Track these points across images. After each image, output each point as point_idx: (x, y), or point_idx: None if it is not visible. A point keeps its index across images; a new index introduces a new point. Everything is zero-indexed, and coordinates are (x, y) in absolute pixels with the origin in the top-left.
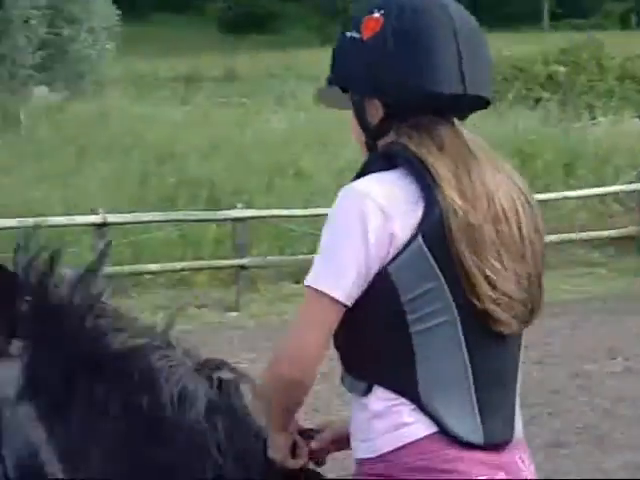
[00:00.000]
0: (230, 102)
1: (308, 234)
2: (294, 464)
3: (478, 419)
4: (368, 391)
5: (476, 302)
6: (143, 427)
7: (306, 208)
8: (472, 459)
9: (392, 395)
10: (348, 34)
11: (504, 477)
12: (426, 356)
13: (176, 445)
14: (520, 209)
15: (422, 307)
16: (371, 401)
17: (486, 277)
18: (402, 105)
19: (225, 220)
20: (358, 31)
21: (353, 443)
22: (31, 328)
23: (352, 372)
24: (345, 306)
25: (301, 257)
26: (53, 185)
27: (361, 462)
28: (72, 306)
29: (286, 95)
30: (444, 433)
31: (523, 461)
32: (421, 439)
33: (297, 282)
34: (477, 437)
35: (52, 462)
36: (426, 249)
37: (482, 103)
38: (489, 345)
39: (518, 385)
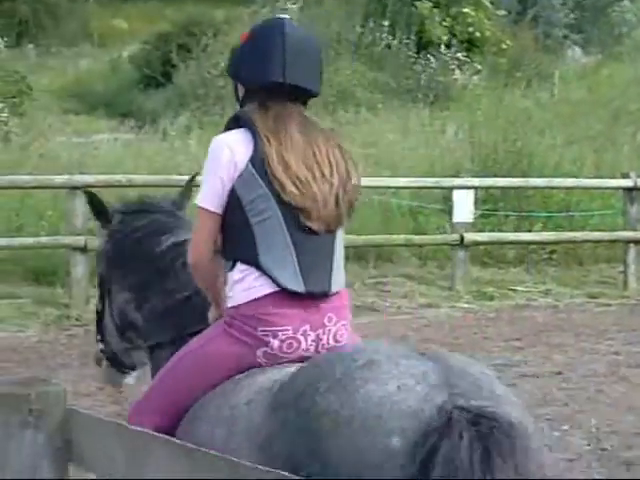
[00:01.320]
0: None
1: None
2: None
3: (300, 277)
4: (233, 267)
5: (291, 202)
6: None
7: None
8: (286, 315)
9: (245, 267)
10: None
11: (308, 329)
12: (262, 239)
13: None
14: (332, 156)
15: (256, 207)
16: (234, 273)
17: (296, 187)
18: (251, 88)
19: None
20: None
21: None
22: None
23: (225, 257)
24: (217, 214)
25: None
26: (585, 147)
27: (226, 310)
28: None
29: None
30: (279, 290)
31: (331, 319)
32: (261, 297)
33: None
34: (300, 288)
35: (131, 311)
36: (254, 171)
37: (309, 93)
38: (305, 233)
39: (336, 258)
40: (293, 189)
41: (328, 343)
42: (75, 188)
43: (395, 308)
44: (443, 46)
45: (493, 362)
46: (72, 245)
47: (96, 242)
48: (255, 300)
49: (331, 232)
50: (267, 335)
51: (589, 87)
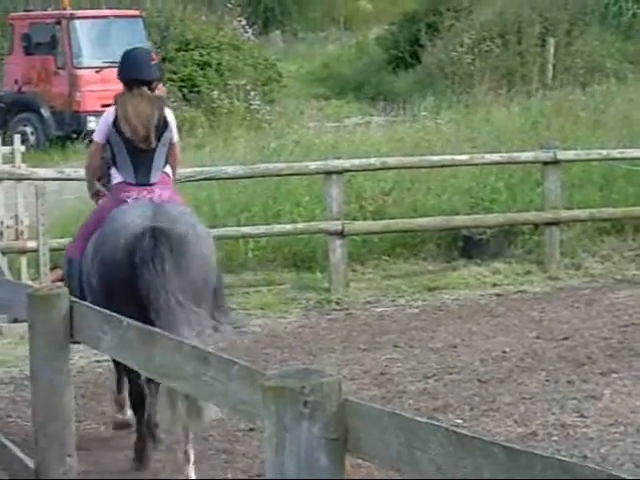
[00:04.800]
0: None
1: None
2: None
3: (133, 175)
4: (110, 169)
5: (129, 138)
6: None
7: None
8: (130, 190)
9: (114, 169)
10: None
11: (146, 194)
12: (118, 157)
13: None
14: (150, 112)
15: (115, 143)
16: (111, 171)
17: (131, 131)
18: (121, 82)
19: None
20: None
21: None
22: None
23: (108, 165)
24: (101, 143)
25: None
26: None
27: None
28: None
29: None
30: (124, 182)
31: (155, 191)
32: (119, 182)
33: None
34: (133, 180)
35: None
36: (113, 128)
37: (148, 80)
38: (137, 152)
39: (155, 163)
40: (129, 134)
41: (156, 199)
42: (330, 173)
43: None
44: None
45: None
46: (329, 230)
47: (353, 226)
48: (118, 183)
49: (150, 150)
50: (125, 197)
51: None
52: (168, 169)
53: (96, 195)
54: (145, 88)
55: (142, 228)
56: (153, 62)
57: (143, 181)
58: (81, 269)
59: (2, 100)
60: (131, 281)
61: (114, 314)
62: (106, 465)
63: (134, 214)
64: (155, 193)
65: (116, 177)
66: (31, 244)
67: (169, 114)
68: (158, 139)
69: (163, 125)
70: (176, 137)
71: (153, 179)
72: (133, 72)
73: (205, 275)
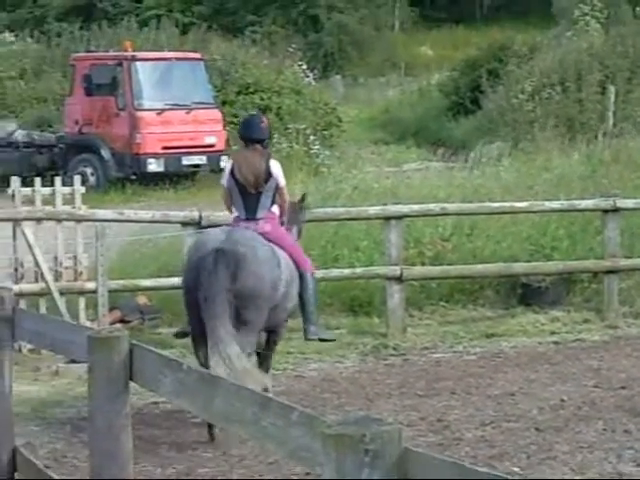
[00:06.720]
0: None
1: None
2: None
3: (244, 211)
4: (231, 207)
5: (241, 183)
6: None
7: None
8: (241, 223)
9: (234, 207)
10: None
11: (251, 225)
12: (233, 198)
13: None
14: (258, 164)
15: (231, 186)
16: (232, 209)
17: (242, 177)
18: (240, 138)
19: None
20: None
21: None
22: None
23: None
24: (227, 187)
25: None
26: None
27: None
28: None
29: None
30: (237, 216)
31: (259, 223)
32: (234, 217)
33: None
34: (243, 216)
35: None
36: (230, 175)
37: (259, 140)
38: (247, 194)
39: (261, 203)
40: (241, 180)
41: (258, 229)
42: (389, 218)
43: None
44: None
45: None
46: (387, 275)
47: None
48: (234, 217)
49: (258, 192)
50: (236, 224)
51: None
52: (275, 208)
53: None
54: (257, 145)
55: (211, 249)
56: (264, 124)
57: (251, 216)
58: None
59: (63, 141)
60: (196, 288)
61: (174, 357)
62: None
63: (209, 238)
64: (259, 225)
65: (234, 212)
66: (90, 285)
67: (274, 165)
68: (265, 183)
69: (268, 174)
70: (283, 182)
71: (259, 215)
72: (247, 132)
73: (255, 288)
